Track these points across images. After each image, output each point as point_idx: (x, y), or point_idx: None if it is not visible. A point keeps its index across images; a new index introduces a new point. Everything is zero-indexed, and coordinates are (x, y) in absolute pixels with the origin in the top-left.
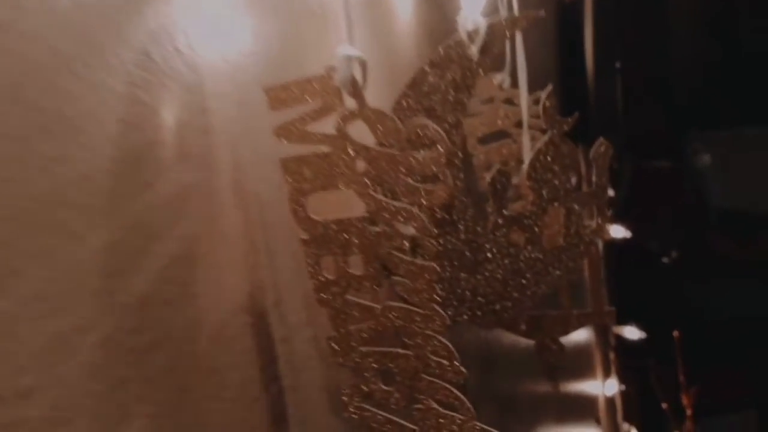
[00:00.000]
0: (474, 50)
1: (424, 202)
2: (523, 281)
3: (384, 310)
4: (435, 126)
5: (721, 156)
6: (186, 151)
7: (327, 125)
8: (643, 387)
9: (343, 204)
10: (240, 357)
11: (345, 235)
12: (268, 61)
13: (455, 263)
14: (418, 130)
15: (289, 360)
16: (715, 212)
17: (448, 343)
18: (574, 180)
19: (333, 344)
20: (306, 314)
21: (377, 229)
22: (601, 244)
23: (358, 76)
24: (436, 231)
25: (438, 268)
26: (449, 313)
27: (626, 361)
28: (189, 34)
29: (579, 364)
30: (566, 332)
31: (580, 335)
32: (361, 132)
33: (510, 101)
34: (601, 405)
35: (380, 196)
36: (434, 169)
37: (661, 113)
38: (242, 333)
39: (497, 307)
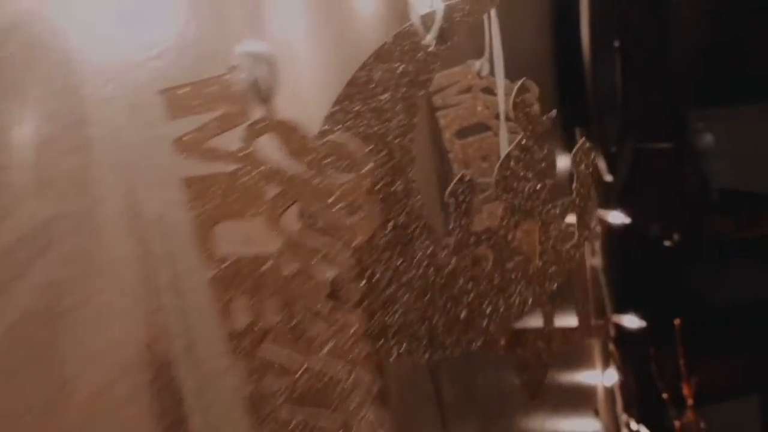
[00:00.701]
0: (430, 38)
1: (347, 238)
2: (491, 308)
3: (302, 371)
4: (358, 143)
5: (722, 136)
6: (50, 175)
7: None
8: (643, 376)
9: (265, 234)
10: (129, 425)
11: (257, 275)
12: (179, 55)
13: (408, 294)
14: (337, 149)
15: (203, 417)
16: (716, 193)
17: (378, 408)
18: (550, 188)
19: (250, 402)
20: (228, 359)
21: (292, 269)
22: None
23: (267, 78)
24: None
25: (362, 322)
26: (401, 351)
27: (626, 350)
28: (59, 21)
29: (577, 353)
30: (550, 349)
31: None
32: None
33: (489, 90)
34: (600, 395)
35: (296, 229)
36: (355, 198)
37: (662, 93)
38: (134, 394)
39: (460, 339)
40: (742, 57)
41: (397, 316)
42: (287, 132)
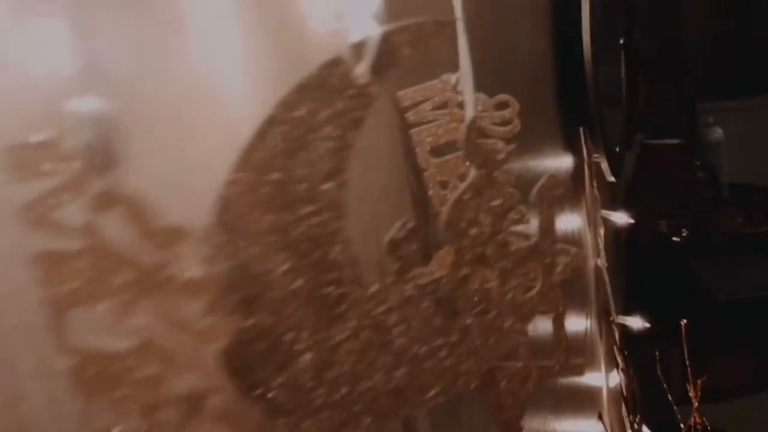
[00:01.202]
0: (362, 69)
1: (204, 342)
2: (440, 369)
3: None
4: (214, 231)
5: (732, 129)
6: None
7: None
8: (649, 377)
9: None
10: None
11: (112, 374)
12: (47, 96)
13: (339, 360)
14: (181, 237)
15: None
16: (726, 187)
17: None
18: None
19: None
20: None
21: (146, 372)
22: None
23: (103, 143)
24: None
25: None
26: (334, 423)
27: (631, 350)
28: None
29: (581, 355)
30: (525, 388)
31: (580, 324)
32: None
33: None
34: (605, 397)
35: (150, 326)
36: (210, 296)
37: (670, 87)
38: None
39: (401, 406)
40: (753, 48)
41: (324, 387)
42: (131, 208)
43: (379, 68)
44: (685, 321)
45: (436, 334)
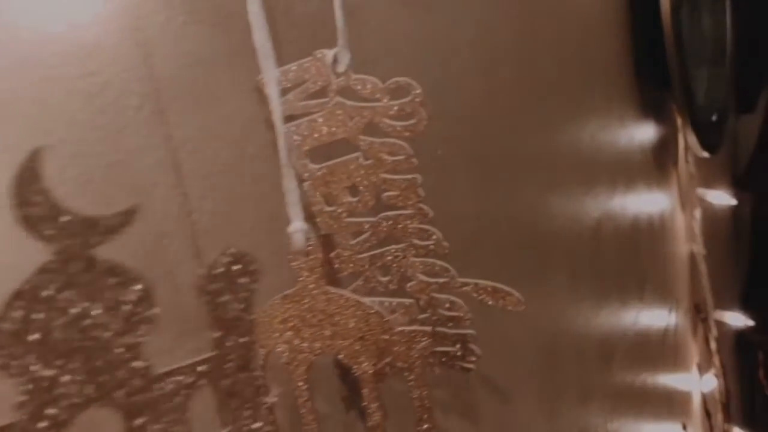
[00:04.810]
0: None
1: None
2: None
3: None
4: None
5: None
6: None
7: None
8: (750, 382)
9: None
10: None
11: None
12: None
13: None
14: None
15: None
16: None
17: None
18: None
19: None
20: None
21: None
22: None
23: None
24: None
25: None
26: None
27: (731, 351)
28: None
29: (668, 355)
30: None
31: (661, 320)
32: None
33: (353, 92)
34: (696, 403)
35: None
36: None
37: None
38: None
39: None
40: None
41: None
42: None
43: None
44: None
45: None
